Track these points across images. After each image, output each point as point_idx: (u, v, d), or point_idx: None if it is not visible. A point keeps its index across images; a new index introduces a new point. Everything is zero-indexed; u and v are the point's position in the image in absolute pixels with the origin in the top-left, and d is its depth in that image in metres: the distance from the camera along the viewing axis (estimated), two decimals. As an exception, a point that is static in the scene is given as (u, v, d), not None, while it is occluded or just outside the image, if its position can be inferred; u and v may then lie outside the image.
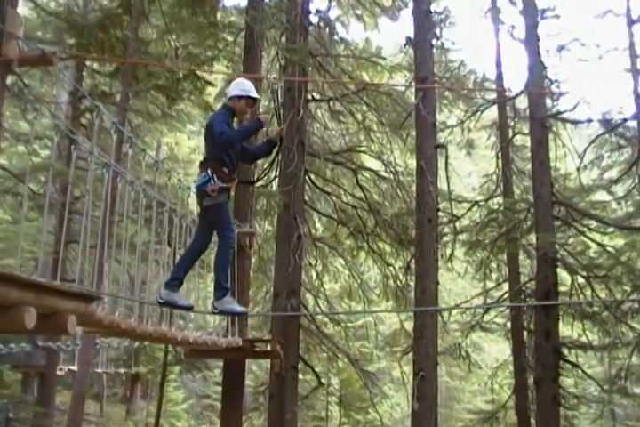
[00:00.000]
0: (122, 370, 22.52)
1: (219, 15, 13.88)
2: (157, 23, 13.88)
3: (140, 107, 15.39)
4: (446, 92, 15.52)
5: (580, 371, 13.75)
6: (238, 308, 5.79)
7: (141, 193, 6.41)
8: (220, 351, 8.29)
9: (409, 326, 13.65)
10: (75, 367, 18.26)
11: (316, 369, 15.62)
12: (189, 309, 6.04)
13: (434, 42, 13.99)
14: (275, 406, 13.55)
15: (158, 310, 6.71)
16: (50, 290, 4.04)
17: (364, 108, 14.63)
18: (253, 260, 13.46)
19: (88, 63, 16.37)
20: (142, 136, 16.45)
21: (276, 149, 5.77)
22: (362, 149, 15.01)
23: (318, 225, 15.80)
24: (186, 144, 23.38)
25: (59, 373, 19.42)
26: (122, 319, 5.61)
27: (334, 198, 14.96)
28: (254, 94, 5.62)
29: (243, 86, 5.62)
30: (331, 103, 14.26)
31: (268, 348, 9.33)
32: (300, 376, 14.95)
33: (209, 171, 5.34)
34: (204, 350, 8.29)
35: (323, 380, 16.37)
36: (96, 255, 5.81)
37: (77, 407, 13.84)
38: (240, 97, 5.54)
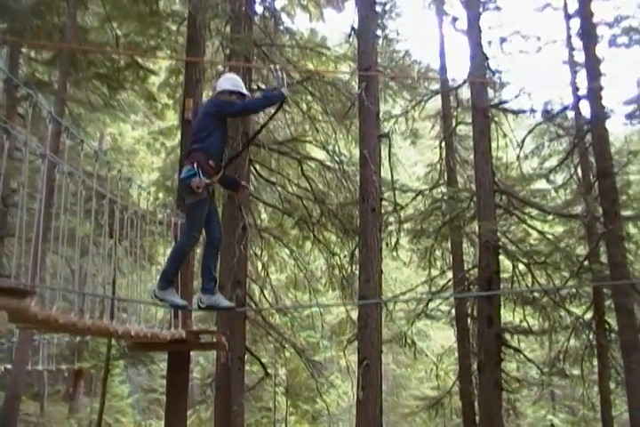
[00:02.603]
0: (64, 366, 21.88)
1: (161, 3, 13.63)
2: (98, 10, 13.54)
3: (80, 96, 14.98)
4: (391, 82, 15.60)
5: (521, 355, 14.11)
6: (225, 303, 5.82)
7: (81, 184, 6.26)
8: (164, 344, 8.17)
9: (355, 315, 13.75)
10: (10, 366, 17.63)
11: (263, 360, 15.62)
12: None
13: (378, 32, 14.07)
14: (221, 397, 13.50)
15: (100, 304, 6.59)
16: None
17: (309, 97, 14.61)
18: (198, 251, 13.34)
19: (25, 50, 15.84)
20: (84, 126, 16.03)
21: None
22: (307, 138, 15.00)
23: (264, 215, 15.75)
24: (130, 135, 22.90)
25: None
26: (60, 314, 5.46)
27: (279, 188, 14.92)
28: (244, 91, 5.61)
29: (234, 82, 5.61)
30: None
31: (214, 339, 9.23)
32: (247, 367, 14.95)
33: (195, 164, 5.26)
34: (147, 343, 8.16)
35: (269, 370, 16.39)
36: (32, 249, 5.65)
37: (12, 408, 13.43)
38: (231, 92, 5.52)
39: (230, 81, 5.62)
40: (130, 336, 6.93)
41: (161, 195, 15.70)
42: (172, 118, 16.52)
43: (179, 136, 11.84)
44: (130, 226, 7.27)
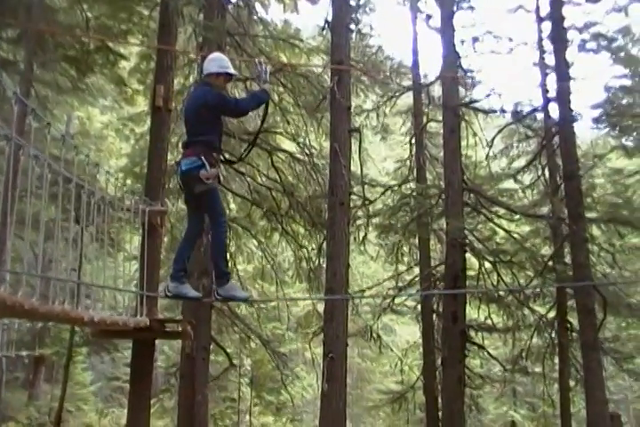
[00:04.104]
0: (24, 353, 21.53)
1: (133, -13, 13.40)
2: (68, -9, 13.25)
3: (47, 78, 14.64)
4: (363, 77, 15.64)
5: (484, 352, 14.30)
6: (242, 294, 5.88)
7: (46, 168, 6.16)
8: (129, 332, 8.09)
9: (321, 307, 13.81)
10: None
11: (228, 350, 15.62)
12: (198, 299, 6.31)
13: (352, 26, 14.08)
14: (185, 387, 13.48)
15: (64, 289, 6.50)
16: None
17: (281, 89, 14.57)
18: (166, 239, 13.25)
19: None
20: (51, 109, 15.71)
21: None
22: (277, 130, 14.97)
23: (232, 206, 15.70)
24: (98, 119, 22.57)
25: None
26: (25, 299, 5.39)
27: (249, 179, 14.88)
28: (232, 70, 5.55)
29: (219, 62, 5.52)
30: (247, 83, 14.12)
31: (179, 328, 9.19)
32: (212, 357, 14.93)
33: (202, 157, 5.26)
34: (111, 330, 8.07)
35: (234, 361, 16.39)
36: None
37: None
38: (218, 74, 5.46)
39: (216, 62, 5.52)
40: (94, 323, 6.85)
41: (129, 181, 15.53)
42: (143, 104, 16.33)
43: (148, 123, 11.71)
44: (97, 212, 7.19)
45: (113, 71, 13.67)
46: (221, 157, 5.64)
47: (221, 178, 5.65)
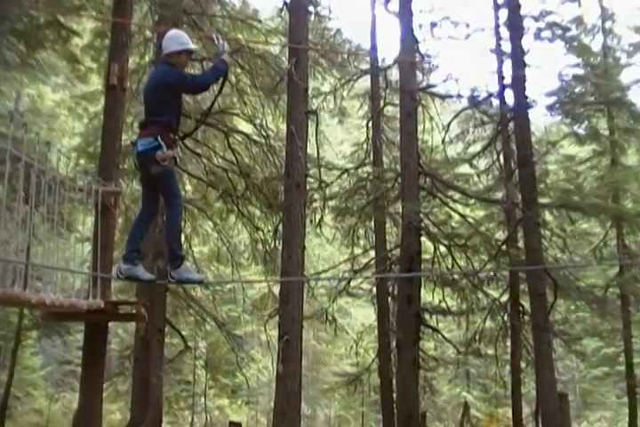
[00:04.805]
0: (-32, 337, 21.03)
1: (86, -41, 12.98)
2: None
3: (-6, 52, 14.15)
4: (321, 60, 15.56)
5: (439, 335, 14.47)
6: (196, 276, 5.79)
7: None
8: (81, 314, 7.96)
9: (277, 290, 13.80)
10: None
11: (183, 333, 15.54)
12: (152, 281, 6.21)
13: (310, 8, 13.96)
14: (139, 370, 13.38)
15: (9, 270, 6.35)
16: None
17: (238, 70, 14.39)
18: (120, 220, 13.04)
19: None
20: (-2, 85, 15.20)
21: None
22: (234, 111, 14.81)
23: (188, 187, 15.52)
24: (50, 97, 21.95)
25: None
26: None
27: (205, 160, 14.73)
28: (192, 46, 5.42)
29: (179, 39, 5.36)
30: (204, 63, 13.91)
31: (133, 311, 9.06)
32: (167, 340, 14.84)
33: (158, 137, 5.14)
34: (62, 312, 7.94)
35: (189, 343, 16.33)
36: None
37: None
38: (179, 52, 5.31)
39: (176, 40, 5.37)
40: (44, 306, 6.71)
41: (82, 161, 15.19)
42: (96, 83, 15.92)
43: (102, 102, 11.45)
44: (47, 192, 7.01)
45: (65, 48, 13.20)
46: (177, 137, 5.53)
47: (178, 159, 5.54)
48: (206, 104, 14.11)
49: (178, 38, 5.40)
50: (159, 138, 5.17)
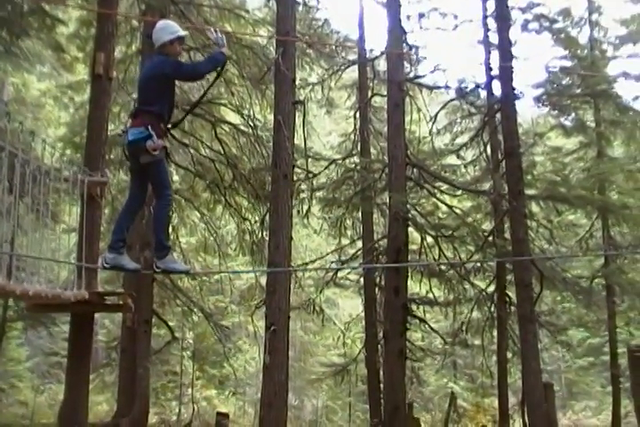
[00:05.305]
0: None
1: (71, -54, 12.84)
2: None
3: (-24, 39, 13.93)
4: (308, 50, 15.49)
5: (426, 325, 14.53)
6: (182, 266, 5.87)
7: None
8: (67, 305, 7.92)
9: (264, 280, 13.79)
10: None
11: (170, 323, 15.52)
12: (137, 271, 6.36)
13: (298, -2, 13.88)
14: (126, 361, 13.36)
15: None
16: None
17: (226, 60, 14.30)
18: (106, 211, 12.98)
19: None
20: (-19, 73, 15.03)
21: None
22: (222, 101, 14.74)
23: (175, 177, 15.45)
24: (35, 86, 21.70)
25: None
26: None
27: (192, 151, 14.66)
28: (182, 32, 5.40)
29: (169, 29, 5.36)
30: (191, 53, 13.82)
31: (119, 301, 9.03)
32: (154, 331, 14.81)
33: (149, 127, 5.12)
34: (48, 304, 7.89)
35: (177, 334, 16.30)
36: None
37: None
38: (171, 42, 5.30)
39: (166, 30, 5.36)
40: (29, 297, 6.68)
41: (68, 151, 15.07)
42: (82, 72, 15.78)
43: (89, 91, 11.34)
44: (32, 182, 6.95)
45: (50, 36, 13.04)
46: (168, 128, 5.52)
47: (168, 150, 5.52)
48: (193, 94, 14.06)
49: (167, 28, 5.40)
50: (150, 127, 5.15)
